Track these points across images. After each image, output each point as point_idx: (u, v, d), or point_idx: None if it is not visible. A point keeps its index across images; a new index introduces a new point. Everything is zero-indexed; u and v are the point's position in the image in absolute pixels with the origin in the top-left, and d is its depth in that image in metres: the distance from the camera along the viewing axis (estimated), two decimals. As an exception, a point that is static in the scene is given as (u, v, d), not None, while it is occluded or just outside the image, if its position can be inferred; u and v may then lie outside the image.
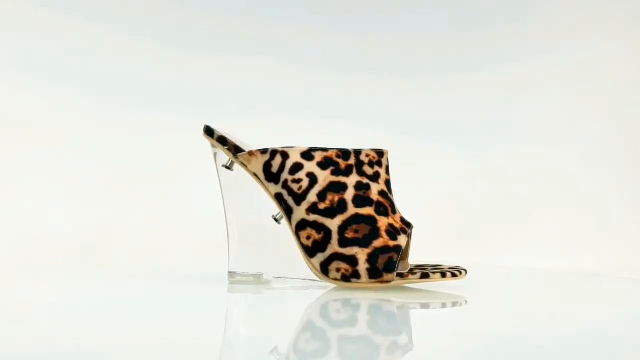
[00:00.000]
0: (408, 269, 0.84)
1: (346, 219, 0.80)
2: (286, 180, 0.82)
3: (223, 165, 0.86)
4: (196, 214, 1.36)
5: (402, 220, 0.83)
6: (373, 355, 0.56)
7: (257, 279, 0.86)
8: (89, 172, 1.36)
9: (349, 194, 0.81)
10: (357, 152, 0.84)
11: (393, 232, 0.81)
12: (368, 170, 0.83)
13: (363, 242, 0.80)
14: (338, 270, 0.80)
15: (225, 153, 0.85)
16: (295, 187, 0.82)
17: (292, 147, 0.83)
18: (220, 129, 0.86)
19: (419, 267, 0.86)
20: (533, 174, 1.52)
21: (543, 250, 1.44)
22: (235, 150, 0.85)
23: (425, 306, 0.78)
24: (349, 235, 0.80)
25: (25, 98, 1.37)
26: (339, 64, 1.51)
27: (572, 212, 1.50)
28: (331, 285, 0.81)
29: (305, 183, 0.82)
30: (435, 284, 0.83)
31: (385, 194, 0.83)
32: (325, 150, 0.83)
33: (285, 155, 0.83)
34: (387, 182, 0.84)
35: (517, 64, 1.56)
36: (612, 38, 1.57)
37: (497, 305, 0.80)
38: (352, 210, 0.81)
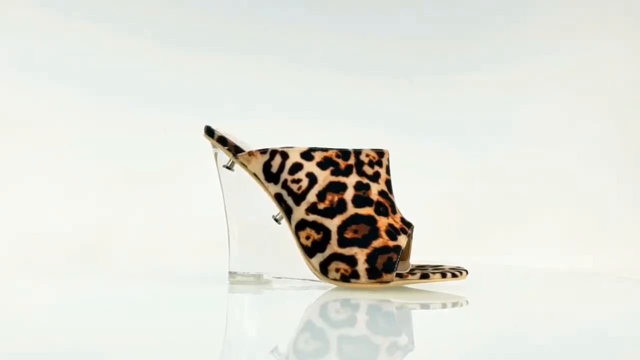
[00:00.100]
0: (409, 269, 0.84)
1: (345, 219, 0.80)
2: (286, 180, 0.82)
3: (224, 166, 0.86)
4: (196, 214, 1.36)
5: (403, 220, 0.83)
6: (372, 355, 0.56)
7: (258, 279, 0.86)
8: (89, 172, 1.36)
9: (349, 194, 0.81)
10: (357, 152, 0.84)
11: (393, 232, 0.81)
12: (368, 170, 0.83)
13: (362, 242, 0.80)
14: (337, 270, 0.80)
15: (225, 153, 0.85)
16: (294, 187, 0.82)
17: (291, 147, 0.83)
18: (220, 129, 0.86)
19: (419, 267, 0.85)
20: (533, 174, 1.52)
21: (543, 250, 1.44)
22: (235, 150, 0.85)
23: (425, 306, 0.78)
24: (348, 235, 0.80)
25: (25, 98, 1.37)
26: (339, 64, 1.51)
27: (572, 212, 1.50)
28: (331, 285, 0.81)
29: (304, 183, 0.82)
30: (435, 284, 0.83)
31: (386, 194, 0.83)
32: (325, 150, 0.83)
33: (284, 155, 0.83)
34: (388, 182, 0.84)
35: (517, 64, 1.56)
36: (612, 38, 1.57)
37: (497, 306, 0.80)
38: (351, 210, 0.81)
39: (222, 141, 0.85)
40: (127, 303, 0.77)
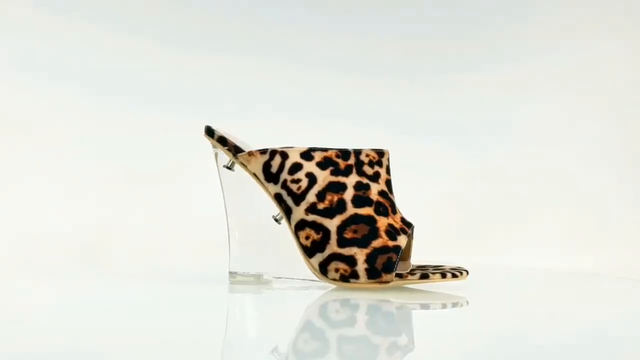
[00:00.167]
0: (409, 269, 0.84)
1: (345, 219, 0.80)
2: (285, 180, 0.82)
3: (224, 166, 0.86)
4: (196, 214, 1.36)
5: (403, 220, 0.83)
6: (371, 355, 0.56)
7: (258, 279, 0.86)
8: (89, 172, 1.36)
9: (348, 194, 0.81)
10: (357, 152, 0.84)
11: (392, 232, 0.81)
12: (368, 170, 0.83)
13: (362, 243, 0.80)
14: (337, 270, 0.80)
15: (225, 153, 0.86)
16: (294, 187, 0.82)
17: (291, 147, 0.83)
18: (220, 129, 0.86)
19: (420, 267, 0.85)
20: (533, 174, 1.52)
21: (543, 250, 1.44)
22: (235, 150, 0.85)
23: (424, 306, 0.78)
24: (348, 235, 0.80)
25: (25, 98, 1.37)
26: (339, 64, 1.51)
27: (572, 212, 1.50)
28: (331, 285, 0.81)
29: (304, 183, 0.82)
30: (435, 284, 0.83)
31: (386, 194, 0.83)
32: (325, 150, 0.83)
33: (284, 155, 0.83)
34: (388, 182, 0.84)
35: (517, 64, 1.56)
36: (612, 38, 1.57)
37: (497, 306, 0.80)
38: (351, 210, 0.81)
39: (222, 141, 0.85)
40: (127, 303, 0.77)
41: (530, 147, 1.54)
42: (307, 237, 0.81)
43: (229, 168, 0.86)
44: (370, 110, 1.51)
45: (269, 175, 0.83)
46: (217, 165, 0.87)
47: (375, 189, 0.82)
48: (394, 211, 0.83)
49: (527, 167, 1.52)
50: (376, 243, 0.80)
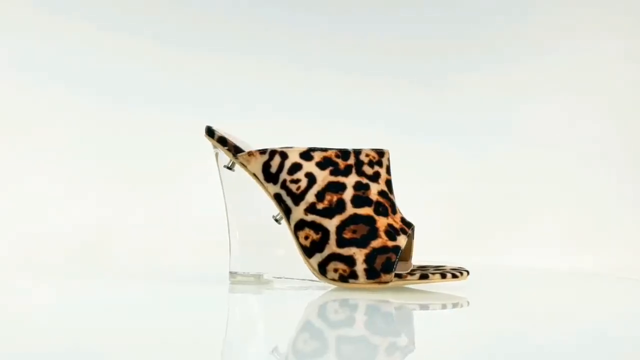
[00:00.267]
0: (410, 269, 0.84)
1: (344, 219, 0.80)
2: (285, 181, 0.82)
3: (224, 166, 0.86)
4: (196, 214, 1.36)
5: (403, 220, 0.83)
6: (370, 355, 0.56)
7: (258, 279, 0.86)
8: (89, 172, 1.36)
9: (348, 194, 0.81)
10: (357, 152, 0.83)
11: (392, 233, 0.81)
12: (368, 170, 0.83)
13: (361, 243, 0.79)
14: (336, 270, 0.79)
15: (225, 153, 0.86)
16: (293, 187, 0.82)
17: (291, 147, 0.83)
18: (221, 130, 0.86)
19: (421, 267, 0.85)
20: (533, 174, 1.52)
21: (543, 250, 1.44)
22: (235, 150, 0.85)
23: (424, 307, 0.78)
24: (347, 235, 0.80)
25: (25, 98, 1.37)
26: (339, 64, 1.51)
27: (572, 212, 1.51)
28: (331, 285, 0.81)
29: (303, 183, 0.81)
30: (435, 284, 0.83)
31: (385, 194, 0.83)
32: (325, 150, 0.83)
33: (284, 156, 0.83)
34: (388, 182, 0.84)
35: (517, 64, 1.56)
36: (612, 38, 1.57)
37: (497, 306, 0.80)
38: (350, 210, 0.81)
39: (222, 141, 0.85)
40: (127, 303, 0.77)
41: (530, 147, 1.54)
42: (306, 237, 0.81)
43: (230, 168, 0.86)
44: (370, 110, 1.51)
45: (269, 175, 0.83)
46: (218, 166, 0.87)
47: (375, 189, 0.82)
48: (394, 211, 0.83)
49: (527, 167, 1.52)
50: (375, 243, 0.80)
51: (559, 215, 1.50)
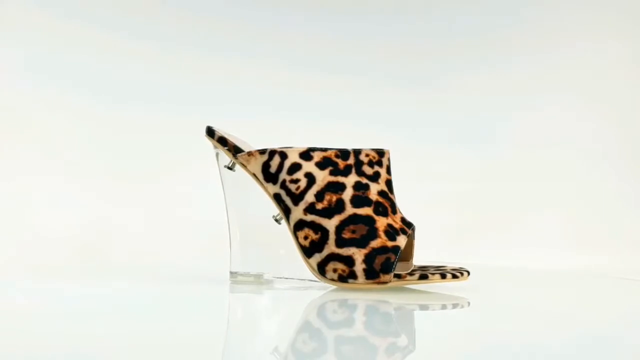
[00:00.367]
0: (410, 269, 0.83)
1: (344, 219, 0.80)
2: (284, 181, 0.82)
3: (225, 166, 0.86)
4: (197, 214, 1.36)
5: (403, 220, 0.83)
6: (369, 355, 0.56)
7: (258, 279, 0.86)
8: (89, 172, 1.36)
9: (347, 194, 0.81)
10: (357, 152, 0.83)
11: (392, 233, 0.80)
12: (367, 170, 0.83)
13: (360, 243, 0.79)
14: (335, 270, 0.79)
15: (226, 154, 0.86)
16: (293, 187, 0.82)
17: (290, 147, 0.83)
18: (221, 130, 0.86)
19: (421, 268, 0.85)
20: (533, 174, 1.52)
21: (543, 250, 1.44)
22: (235, 150, 0.85)
23: (423, 307, 0.78)
24: (346, 235, 0.80)
25: (25, 98, 1.37)
26: (340, 64, 1.52)
27: (572, 212, 1.50)
28: (331, 285, 0.81)
29: (303, 183, 0.81)
30: (436, 285, 0.83)
31: (385, 194, 0.83)
32: (324, 150, 0.83)
33: (283, 156, 0.83)
34: (388, 182, 0.84)
35: (517, 64, 1.56)
36: (613, 38, 1.57)
37: (497, 306, 0.80)
38: (349, 210, 0.80)
39: (222, 142, 0.85)
40: (127, 303, 0.77)
41: (531, 147, 1.54)
42: (305, 237, 0.81)
43: (230, 168, 0.86)
44: (370, 110, 1.51)
45: (268, 175, 0.83)
46: (219, 166, 0.87)
47: (374, 189, 0.82)
48: (394, 211, 0.83)
49: (527, 167, 1.52)
50: (375, 243, 0.79)
51: (560, 216, 1.50)
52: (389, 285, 0.80)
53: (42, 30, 1.39)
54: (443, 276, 0.81)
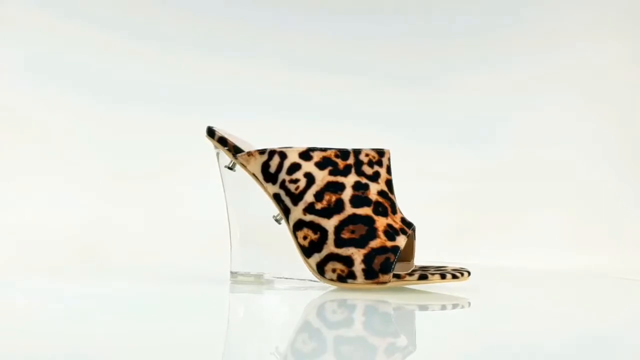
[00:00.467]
0: (411, 269, 0.83)
1: (343, 219, 0.80)
2: (284, 181, 0.82)
3: (225, 166, 0.86)
4: (197, 214, 1.36)
5: (403, 220, 0.83)
6: (368, 356, 0.56)
7: (259, 279, 0.86)
8: (89, 172, 1.36)
9: (347, 194, 0.81)
10: (357, 152, 0.83)
11: (391, 233, 0.80)
12: (367, 170, 0.83)
13: (359, 243, 0.79)
14: (334, 270, 0.79)
15: (226, 154, 0.86)
16: (292, 187, 0.82)
17: (290, 147, 0.83)
18: (221, 130, 0.86)
19: (422, 268, 0.85)
20: (533, 174, 1.52)
21: (543, 250, 1.44)
22: (235, 150, 0.85)
23: (423, 307, 0.78)
24: (345, 235, 0.79)
25: (25, 98, 1.37)
26: (340, 64, 1.51)
27: (572, 212, 1.50)
28: (332, 285, 0.81)
29: (302, 183, 0.81)
30: (436, 285, 0.83)
31: (385, 194, 0.83)
32: (324, 150, 0.83)
33: (283, 156, 0.83)
34: (388, 182, 0.84)
35: (517, 64, 1.56)
36: (613, 38, 1.57)
37: (496, 306, 0.80)
38: (349, 210, 0.80)
39: (222, 142, 0.86)
40: (127, 303, 0.77)
41: (531, 147, 1.54)
42: (305, 237, 0.80)
43: (230, 168, 0.86)
44: (370, 110, 1.51)
45: (268, 175, 0.83)
46: (219, 166, 0.87)
47: (374, 188, 0.82)
48: (394, 211, 0.82)
49: (527, 167, 1.52)
50: (374, 243, 0.79)
51: (560, 216, 1.50)
52: (388, 285, 0.79)
53: (42, 30, 1.39)
54: (443, 276, 0.80)
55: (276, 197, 0.82)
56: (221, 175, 0.87)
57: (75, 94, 1.39)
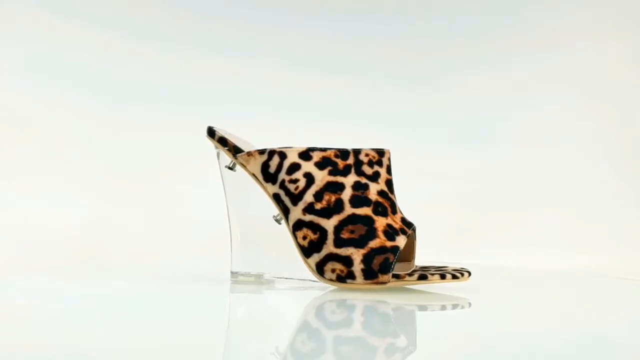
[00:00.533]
0: (411, 270, 0.83)
1: (342, 219, 0.80)
2: (283, 181, 0.82)
3: (225, 166, 0.86)
4: (197, 214, 1.36)
5: (403, 220, 0.82)
6: (367, 356, 0.56)
7: (259, 279, 0.86)
8: (89, 172, 1.36)
9: (346, 194, 0.81)
10: (357, 152, 0.83)
11: (391, 233, 0.80)
12: (367, 169, 0.83)
13: (359, 243, 0.79)
14: (333, 270, 0.79)
15: (226, 154, 0.86)
16: (292, 187, 0.82)
17: (290, 147, 0.83)
18: (222, 130, 0.86)
19: (422, 268, 0.85)
20: (533, 174, 1.52)
21: (543, 250, 1.44)
22: (235, 150, 0.85)
23: (422, 308, 0.78)
24: (345, 235, 0.79)
25: (25, 98, 1.37)
26: (340, 64, 1.51)
27: (572, 212, 1.50)
28: (331, 285, 0.81)
29: (302, 183, 0.81)
30: (435, 285, 0.83)
31: (385, 194, 0.83)
32: (324, 150, 0.83)
33: (282, 156, 0.83)
34: (388, 182, 0.84)
35: (517, 64, 1.56)
36: (613, 38, 1.57)
37: (496, 306, 0.80)
38: (348, 210, 0.80)
39: (222, 142, 0.86)
40: (127, 303, 0.77)
41: (531, 147, 1.54)
42: (304, 237, 0.80)
43: (231, 168, 0.86)
44: (370, 110, 1.51)
45: (268, 175, 0.83)
46: (220, 166, 0.87)
47: (374, 188, 0.82)
48: (394, 211, 0.82)
49: (527, 167, 1.52)
50: (373, 243, 0.79)
51: (560, 216, 1.50)
52: (387, 285, 0.79)
53: (42, 30, 1.39)
54: (442, 276, 0.80)
55: (276, 197, 0.82)
56: (221, 175, 0.87)
57: (75, 94, 1.39)
